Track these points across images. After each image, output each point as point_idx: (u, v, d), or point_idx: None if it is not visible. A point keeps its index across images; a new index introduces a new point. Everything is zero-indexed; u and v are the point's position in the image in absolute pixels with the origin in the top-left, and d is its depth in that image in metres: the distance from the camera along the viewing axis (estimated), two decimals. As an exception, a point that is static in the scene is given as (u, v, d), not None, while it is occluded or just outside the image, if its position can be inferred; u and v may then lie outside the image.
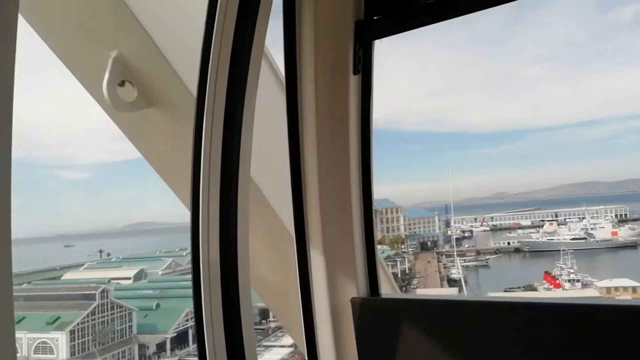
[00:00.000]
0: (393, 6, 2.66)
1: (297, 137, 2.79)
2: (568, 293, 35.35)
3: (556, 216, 49.54)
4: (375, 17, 2.72)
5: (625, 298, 32.99)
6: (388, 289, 3.39)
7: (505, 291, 37.32)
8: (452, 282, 41.38)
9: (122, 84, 2.75)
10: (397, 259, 42.94)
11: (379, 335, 2.82)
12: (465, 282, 40.97)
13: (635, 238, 43.69)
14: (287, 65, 2.74)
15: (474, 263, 45.69)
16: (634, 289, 33.77)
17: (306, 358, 2.89)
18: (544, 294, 36.26)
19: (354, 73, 2.74)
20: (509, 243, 48.25)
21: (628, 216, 47.78)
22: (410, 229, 49.84)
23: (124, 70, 2.72)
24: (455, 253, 45.67)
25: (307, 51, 2.71)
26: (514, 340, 2.47)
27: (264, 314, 28.22)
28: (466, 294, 37.96)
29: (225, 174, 2.10)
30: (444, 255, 47.16)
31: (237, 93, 2.12)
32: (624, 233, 44.21)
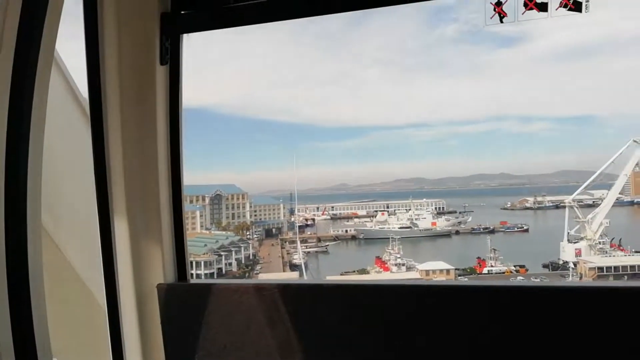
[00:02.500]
0: (200, 3, 2.70)
1: (101, 129, 2.69)
2: (395, 275, 39.15)
3: (388, 207, 54.45)
4: (182, 12, 2.72)
5: (440, 279, 37.84)
6: None
7: (341, 274, 39.94)
8: (294, 267, 42.85)
9: None
10: (242, 245, 43.02)
11: (184, 320, 2.85)
12: (306, 267, 42.79)
13: (450, 228, 50.32)
14: (89, 54, 2.62)
15: (315, 249, 47.97)
16: (447, 271, 38.93)
17: (109, 345, 2.84)
18: (375, 276, 39.63)
19: (161, 64, 2.72)
20: (346, 231, 51.67)
21: (445, 209, 54.71)
22: (256, 215, 50.29)
23: None
24: (298, 240, 47.34)
25: (110, 40, 2.63)
26: (312, 321, 2.66)
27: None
28: (306, 278, 39.71)
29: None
30: (287, 242, 48.57)
31: (23, 100, 1.74)
32: (442, 223, 50.60)
